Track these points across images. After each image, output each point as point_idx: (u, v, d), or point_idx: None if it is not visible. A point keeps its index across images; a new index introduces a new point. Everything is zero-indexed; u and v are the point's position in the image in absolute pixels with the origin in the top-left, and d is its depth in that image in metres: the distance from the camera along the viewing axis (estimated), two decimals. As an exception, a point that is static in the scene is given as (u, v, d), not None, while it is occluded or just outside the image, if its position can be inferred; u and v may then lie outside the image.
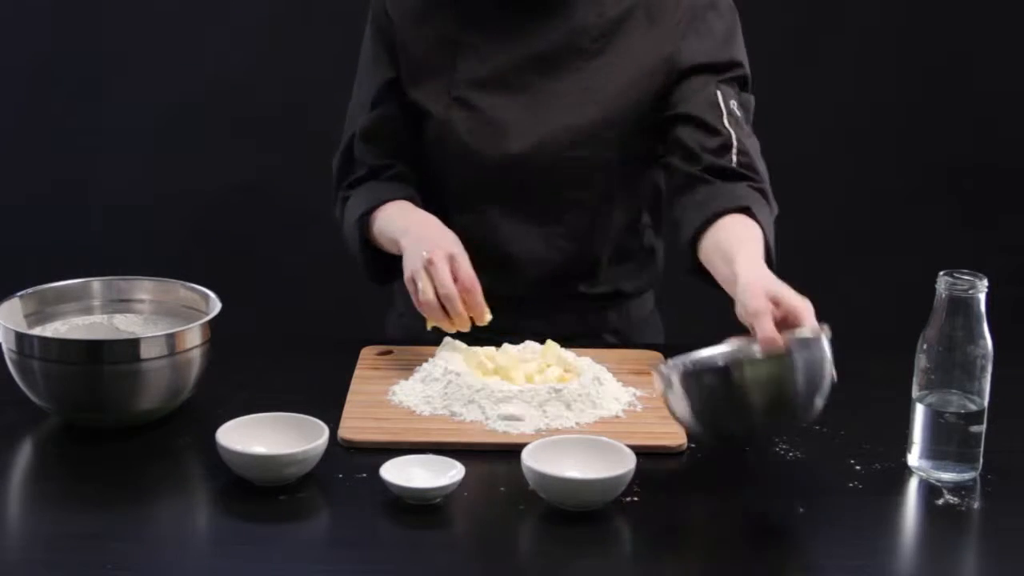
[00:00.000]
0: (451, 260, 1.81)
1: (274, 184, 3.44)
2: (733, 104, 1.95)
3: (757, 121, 2.03)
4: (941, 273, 1.59)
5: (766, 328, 1.52)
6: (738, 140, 1.92)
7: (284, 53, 3.38)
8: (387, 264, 1.98)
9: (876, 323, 3.16)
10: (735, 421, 1.53)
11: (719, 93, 1.95)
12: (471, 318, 1.81)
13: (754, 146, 1.95)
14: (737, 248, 1.73)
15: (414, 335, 2.05)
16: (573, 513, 1.52)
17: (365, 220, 1.97)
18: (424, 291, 1.80)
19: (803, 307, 1.56)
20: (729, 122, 1.93)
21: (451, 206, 2.02)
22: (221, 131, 3.42)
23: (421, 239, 1.85)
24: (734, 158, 1.90)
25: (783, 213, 1.95)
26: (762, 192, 1.91)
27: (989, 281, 1.58)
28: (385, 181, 2.01)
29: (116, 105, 3.41)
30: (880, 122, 3.49)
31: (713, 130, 1.92)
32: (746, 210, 1.83)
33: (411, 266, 1.83)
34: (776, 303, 1.57)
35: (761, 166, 1.94)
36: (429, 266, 1.80)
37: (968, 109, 3.48)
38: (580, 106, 1.96)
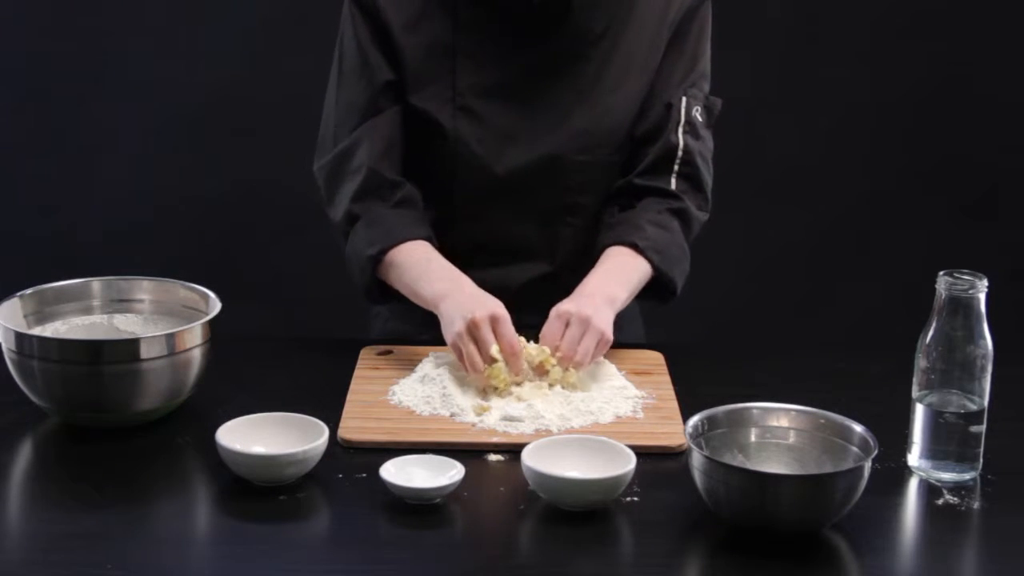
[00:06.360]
0: (494, 322, 1.78)
1: (274, 184, 3.44)
2: (696, 112, 1.99)
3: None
4: (941, 273, 1.59)
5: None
6: (684, 151, 1.98)
7: (284, 53, 3.38)
8: (388, 288, 1.96)
9: (876, 323, 3.16)
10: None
11: (684, 99, 1.98)
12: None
13: (704, 150, 2.01)
14: (593, 271, 1.92)
15: (401, 339, 2.04)
16: (573, 513, 1.52)
17: (378, 259, 1.93)
18: (470, 355, 1.77)
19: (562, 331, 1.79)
20: (683, 130, 1.98)
21: (455, 211, 2.01)
22: (221, 131, 3.42)
23: (462, 304, 1.81)
24: (675, 168, 1.98)
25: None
26: (675, 212, 1.98)
27: (989, 281, 1.58)
28: (395, 209, 1.96)
29: (116, 105, 3.41)
30: (880, 123, 3.49)
31: (662, 141, 1.97)
32: (632, 245, 1.93)
33: (454, 329, 1.79)
34: (566, 317, 1.80)
35: (703, 172, 2.01)
36: (474, 328, 1.77)
37: (969, 109, 3.48)
38: (589, 111, 1.96)
